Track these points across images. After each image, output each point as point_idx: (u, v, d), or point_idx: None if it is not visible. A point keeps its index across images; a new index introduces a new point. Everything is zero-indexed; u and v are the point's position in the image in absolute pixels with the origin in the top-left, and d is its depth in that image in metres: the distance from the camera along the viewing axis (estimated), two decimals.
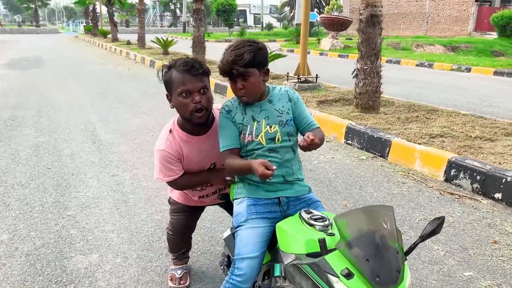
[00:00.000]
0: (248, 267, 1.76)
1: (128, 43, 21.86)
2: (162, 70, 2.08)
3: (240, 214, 1.89)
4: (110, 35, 26.26)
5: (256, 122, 1.90)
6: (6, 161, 4.61)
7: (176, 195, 2.39)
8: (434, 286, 2.47)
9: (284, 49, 22.57)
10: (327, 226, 1.67)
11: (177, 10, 60.34)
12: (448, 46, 21.53)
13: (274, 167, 1.68)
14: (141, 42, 18.99)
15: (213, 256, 2.78)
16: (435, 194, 3.76)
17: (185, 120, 2.04)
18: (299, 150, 1.93)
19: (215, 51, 16.13)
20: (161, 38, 16.12)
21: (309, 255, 1.58)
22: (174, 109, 2.07)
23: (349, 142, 5.22)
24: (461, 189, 3.84)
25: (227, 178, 2.14)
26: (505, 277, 2.56)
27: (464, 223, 3.23)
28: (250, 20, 69.34)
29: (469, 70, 13.46)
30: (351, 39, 31.58)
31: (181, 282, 2.43)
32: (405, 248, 1.52)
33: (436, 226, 1.52)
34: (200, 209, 2.49)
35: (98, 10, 33.61)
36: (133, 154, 4.88)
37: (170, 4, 59.98)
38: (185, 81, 1.93)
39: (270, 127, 1.90)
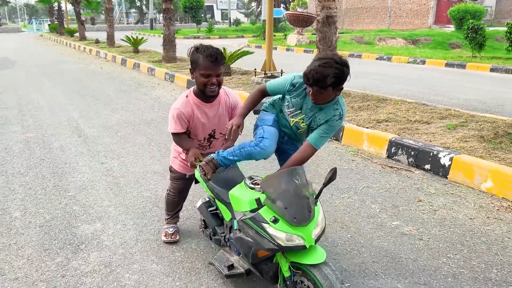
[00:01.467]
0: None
1: (97, 41, 21.99)
2: (191, 49, 2.67)
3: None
4: (77, 34, 26.21)
5: (300, 111, 2.44)
6: (1, 154, 5.09)
7: (177, 166, 3.00)
8: (369, 233, 3.22)
9: (252, 45, 23.24)
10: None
11: (143, 7, 59.93)
12: (409, 39, 22.69)
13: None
14: (111, 41, 19.24)
15: (196, 221, 3.43)
16: (378, 168, 4.53)
17: (200, 91, 2.66)
18: None
19: (182, 48, 16.55)
20: (131, 36, 16.47)
21: (252, 211, 2.23)
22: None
23: None
24: (399, 163, 4.63)
25: (191, 160, 2.68)
26: (423, 224, 3.33)
27: (398, 189, 4.00)
28: (217, 16, 69.45)
29: (423, 62, 14.50)
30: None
31: (172, 237, 3.09)
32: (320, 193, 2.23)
33: (331, 175, 2.18)
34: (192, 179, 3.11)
35: (63, 8, 33.26)
36: (117, 145, 5.45)
37: (136, 0, 59.48)
38: (207, 68, 2.55)
39: (303, 123, 2.46)
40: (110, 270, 2.78)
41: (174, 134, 2.78)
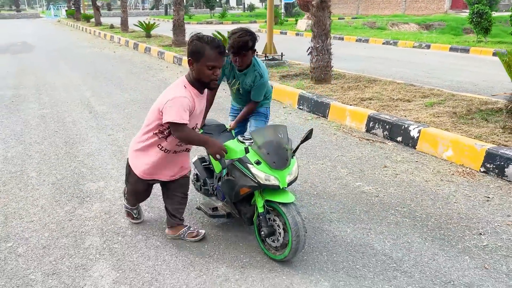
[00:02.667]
0: None
1: (112, 27, 22.59)
2: (191, 38, 2.54)
3: None
4: (93, 19, 26.87)
5: (234, 79, 3.27)
6: (20, 127, 5.69)
7: (141, 172, 2.79)
8: (333, 191, 3.70)
9: (263, 30, 23.48)
10: (252, 142, 2.83)
11: None
12: (422, 24, 22.68)
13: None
14: (124, 26, 19.81)
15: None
16: (355, 140, 4.98)
17: (200, 82, 2.57)
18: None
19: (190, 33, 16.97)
20: (143, 21, 16.99)
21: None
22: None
23: (301, 107, 6.41)
24: (376, 136, 5.08)
25: (217, 156, 2.66)
26: (382, 185, 3.79)
27: (369, 157, 4.46)
28: (232, 1, 69.49)
29: (428, 47, 14.69)
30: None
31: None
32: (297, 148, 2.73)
33: (308, 134, 2.69)
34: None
35: None
36: (124, 120, 6.00)
37: None
38: (215, 60, 2.48)
39: (239, 85, 3.29)
40: (109, 216, 3.33)
41: (180, 126, 2.50)
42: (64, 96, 7.56)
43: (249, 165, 2.58)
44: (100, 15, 26.32)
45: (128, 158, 2.91)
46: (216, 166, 3.08)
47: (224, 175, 2.85)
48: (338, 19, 32.24)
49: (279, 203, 2.57)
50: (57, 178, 4.05)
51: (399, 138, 4.79)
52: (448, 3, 33.04)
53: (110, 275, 2.59)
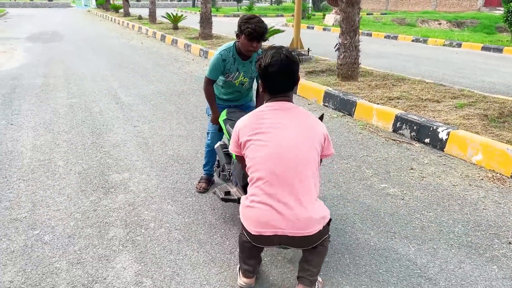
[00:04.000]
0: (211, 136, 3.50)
1: (140, 18, 22.82)
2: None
3: (208, 109, 3.51)
4: (122, 10, 27.18)
5: (238, 72, 3.24)
6: (49, 115, 5.81)
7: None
8: (357, 191, 3.64)
9: (289, 24, 23.33)
10: None
11: None
12: (454, 22, 22.11)
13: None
14: (152, 17, 19.97)
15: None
16: (381, 140, 4.89)
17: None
18: None
19: (221, 26, 16.90)
20: (171, 13, 17.09)
21: None
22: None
23: (326, 104, 6.33)
24: (403, 137, 4.97)
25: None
26: (408, 187, 3.71)
27: (395, 158, 4.37)
28: None
29: (459, 45, 14.30)
30: None
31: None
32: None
33: (320, 117, 2.55)
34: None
35: None
36: (149, 112, 6.05)
37: None
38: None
39: (244, 77, 3.29)
40: (133, 208, 3.37)
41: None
42: (91, 85, 7.67)
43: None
44: (129, 5, 26.60)
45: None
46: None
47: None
48: (367, 14, 31.73)
49: None
50: (83, 168, 4.11)
51: (427, 140, 4.68)
52: (481, 0, 32.08)
53: (132, 267, 2.62)
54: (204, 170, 3.73)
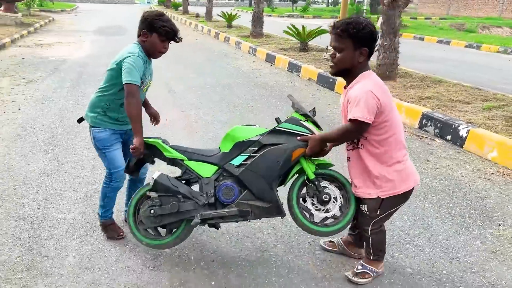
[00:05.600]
0: (123, 176, 2.80)
1: (197, 16, 23.86)
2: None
3: (105, 140, 2.73)
4: (181, 8, 28.47)
5: (147, 78, 2.84)
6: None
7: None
8: None
9: None
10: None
11: None
12: None
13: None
14: (209, 15, 20.90)
15: None
16: (406, 136, 5.21)
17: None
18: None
19: (274, 25, 17.40)
20: (226, 12, 17.88)
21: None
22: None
23: None
24: (427, 133, 5.27)
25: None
26: (419, 176, 4.05)
27: (415, 151, 4.71)
28: None
29: None
30: (416, 18, 31.58)
31: None
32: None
33: (312, 111, 2.70)
34: None
35: None
36: (196, 100, 6.71)
37: None
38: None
39: (150, 81, 2.95)
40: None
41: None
42: None
43: (303, 122, 2.48)
44: (188, 4, 27.83)
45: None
46: (203, 170, 2.62)
47: (239, 164, 2.53)
48: (425, 19, 31.14)
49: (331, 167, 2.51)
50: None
51: (449, 137, 4.97)
52: None
53: None
54: (109, 214, 2.97)
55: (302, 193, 2.54)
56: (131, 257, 2.75)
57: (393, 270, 2.67)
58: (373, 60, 8.89)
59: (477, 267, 2.71)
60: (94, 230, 3.06)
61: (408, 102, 5.87)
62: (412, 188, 2.45)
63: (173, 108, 6.20)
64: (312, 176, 2.45)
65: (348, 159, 2.52)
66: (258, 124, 2.77)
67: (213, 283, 2.53)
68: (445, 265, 2.73)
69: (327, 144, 2.54)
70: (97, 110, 2.75)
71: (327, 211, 2.49)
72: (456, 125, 4.90)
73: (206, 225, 2.66)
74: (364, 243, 2.60)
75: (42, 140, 4.74)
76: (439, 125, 5.12)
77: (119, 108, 2.75)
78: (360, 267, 2.56)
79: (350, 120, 2.25)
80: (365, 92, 2.23)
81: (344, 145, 2.54)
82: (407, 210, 3.40)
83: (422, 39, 17.69)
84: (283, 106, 6.38)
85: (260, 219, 2.64)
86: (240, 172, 2.50)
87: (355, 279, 2.53)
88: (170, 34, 2.69)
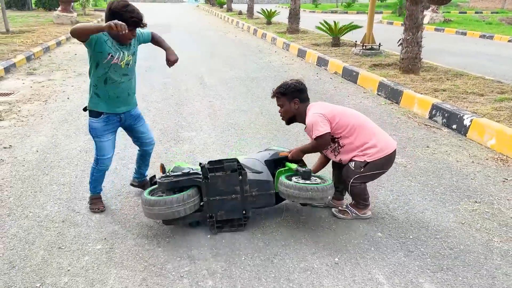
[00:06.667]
0: (108, 162, 3.34)
1: (240, 13, 24.51)
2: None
3: (97, 130, 3.20)
4: (226, 6, 29.25)
5: (122, 52, 3.05)
6: (147, 90, 7.30)
7: None
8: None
9: (384, 21, 23.40)
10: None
11: None
12: None
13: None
14: (250, 13, 21.47)
15: None
16: (414, 124, 5.51)
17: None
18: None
19: (310, 21, 17.70)
20: (266, 9, 18.36)
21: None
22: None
23: (379, 93, 6.99)
24: (435, 123, 5.53)
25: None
26: (415, 160, 4.39)
27: (418, 138, 5.01)
28: None
29: None
30: (465, 12, 30.62)
31: None
32: None
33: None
34: None
35: None
36: (224, 91, 7.27)
37: None
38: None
39: (128, 56, 3.11)
40: (193, 154, 4.54)
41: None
42: (183, 69, 9.13)
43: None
44: (232, 1, 28.55)
45: None
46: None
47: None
48: (475, 13, 30.15)
49: None
50: (163, 126, 5.41)
51: (454, 126, 5.21)
52: None
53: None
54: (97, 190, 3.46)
55: (287, 176, 3.18)
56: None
57: (364, 234, 3.08)
58: (397, 53, 9.08)
59: (442, 234, 3.06)
60: (119, 195, 3.67)
61: (422, 94, 6.12)
62: (394, 151, 3.16)
63: (203, 99, 6.79)
64: (294, 167, 3.19)
65: (335, 164, 3.39)
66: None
67: (208, 236, 3.06)
68: (413, 232, 3.10)
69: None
70: (91, 93, 3.18)
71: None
72: (461, 114, 5.14)
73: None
74: (347, 193, 3.31)
75: (83, 124, 5.45)
76: (446, 115, 5.37)
77: (104, 85, 3.10)
78: (344, 207, 3.35)
79: (315, 138, 3.08)
80: (312, 116, 3.08)
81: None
82: (392, 187, 3.77)
83: (465, 33, 17.35)
84: None
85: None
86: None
87: (337, 214, 3.32)
88: (138, 23, 2.99)
